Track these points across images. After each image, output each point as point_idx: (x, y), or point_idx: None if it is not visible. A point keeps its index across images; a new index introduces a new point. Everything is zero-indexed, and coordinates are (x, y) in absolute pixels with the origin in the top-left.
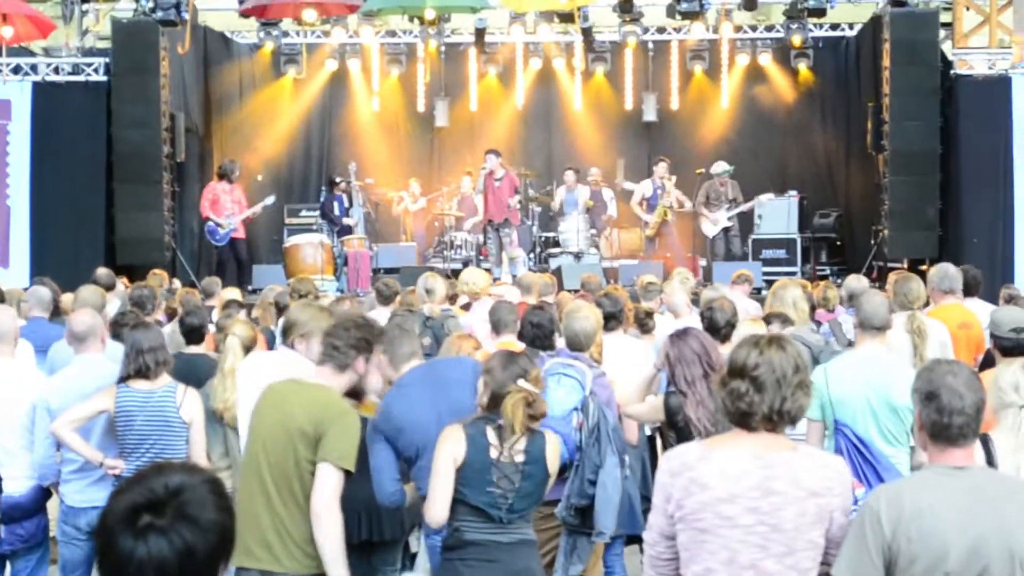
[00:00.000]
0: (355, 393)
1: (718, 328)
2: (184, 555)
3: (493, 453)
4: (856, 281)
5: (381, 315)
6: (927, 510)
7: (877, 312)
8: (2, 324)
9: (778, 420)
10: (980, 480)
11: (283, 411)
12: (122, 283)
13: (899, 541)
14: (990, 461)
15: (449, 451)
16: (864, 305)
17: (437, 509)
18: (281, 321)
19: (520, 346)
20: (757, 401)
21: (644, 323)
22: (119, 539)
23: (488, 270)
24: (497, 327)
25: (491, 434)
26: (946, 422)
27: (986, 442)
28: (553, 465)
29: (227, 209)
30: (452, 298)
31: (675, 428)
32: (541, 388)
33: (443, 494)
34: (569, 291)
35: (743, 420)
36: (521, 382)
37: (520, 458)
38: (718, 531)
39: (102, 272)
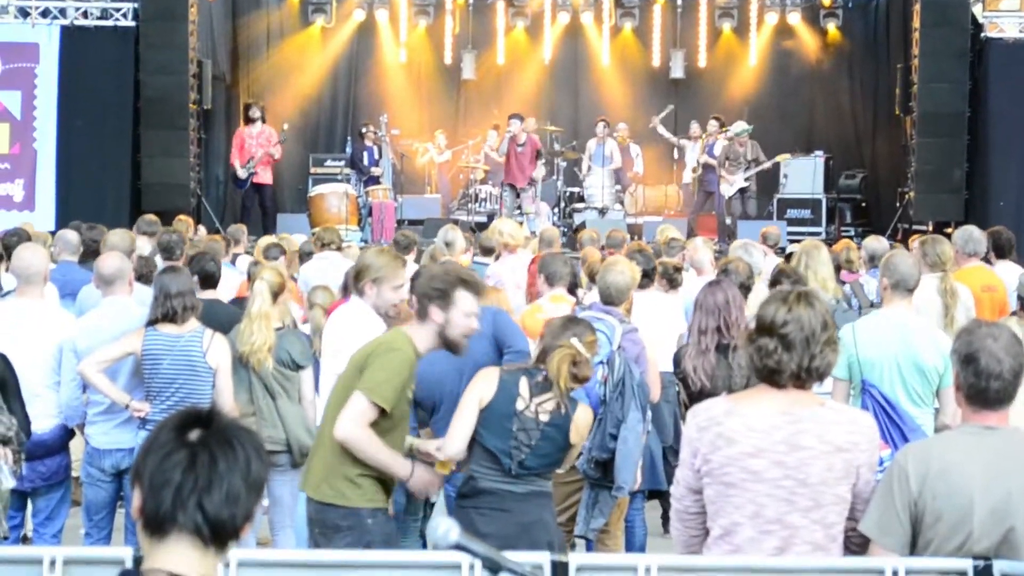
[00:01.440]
0: (452, 346)
1: None
2: (235, 460)
3: (519, 404)
4: (876, 242)
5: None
6: (954, 468)
7: (912, 273)
8: (31, 264)
9: (806, 377)
10: (1010, 440)
11: (356, 355)
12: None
13: (925, 498)
14: None
15: (478, 391)
16: (899, 266)
17: (454, 442)
18: (351, 265)
19: (571, 299)
20: (786, 359)
21: (673, 278)
22: (172, 450)
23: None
24: (551, 279)
25: (523, 385)
26: (983, 386)
27: None
28: (577, 436)
29: (251, 152)
30: (487, 251)
31: (681, 380)
32: (593, 353)
33: (462, 429)
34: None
35: (771, 377)
36: (574, 340)
37: (545, 418)
38: (744, 485)
39: (146, 218)
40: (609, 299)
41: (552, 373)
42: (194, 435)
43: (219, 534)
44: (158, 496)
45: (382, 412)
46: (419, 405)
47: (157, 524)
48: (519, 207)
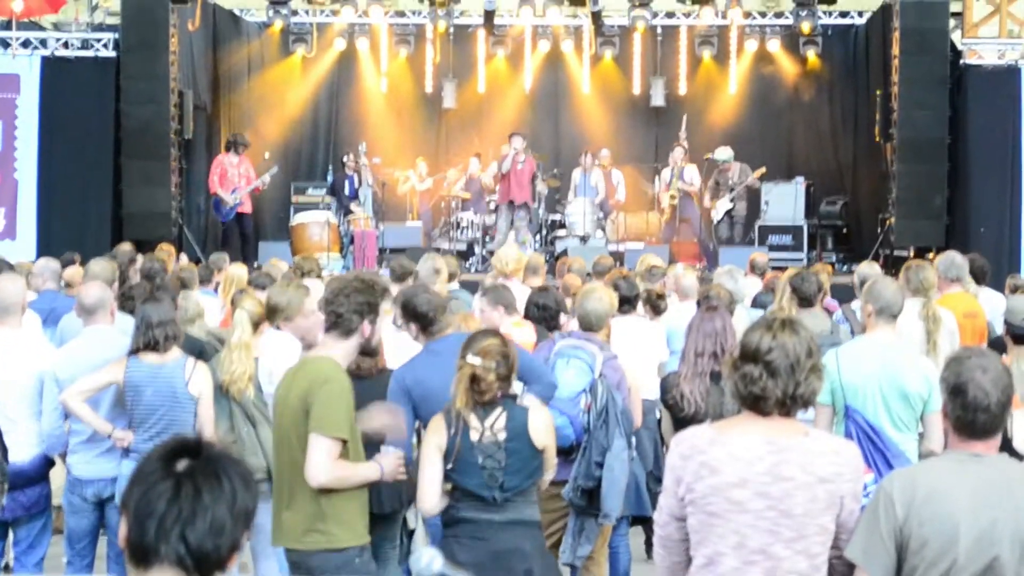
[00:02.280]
0: (369, 352)
1: None
2: (220, 493)
3: (473, 435)
4: (868, 267)
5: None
6: (940, 494)
7: (896, 300)
8: (9, 295)
9: (791, 404)
10: (996, 468)
11: (285, 394)
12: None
13: (911, 524)
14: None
15: (434, 440)
16: (883, 292)
17: (426, 499)
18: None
19: (526, 324)
20: (771, 386)
21: (656, 305)
22: (158, 482)
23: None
24: (508, 308)
25: (471, 417)
26: (970, 419)
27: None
28: (539, 438)
29: (234, 183)
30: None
31: (667, 406)
32: (491, 362)
33: (431, 484)
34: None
35: (756, 404)
36: (470, 357)
37: (502, 436)
38: (728, 515)
39: (123, 248)
40: (588, 326)
41: (452, 396)
42: (181, 465)
43: (203, 565)
44: (142, 526)
45: (342, 441)
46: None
47: (142, 554)
48: (515, 230)
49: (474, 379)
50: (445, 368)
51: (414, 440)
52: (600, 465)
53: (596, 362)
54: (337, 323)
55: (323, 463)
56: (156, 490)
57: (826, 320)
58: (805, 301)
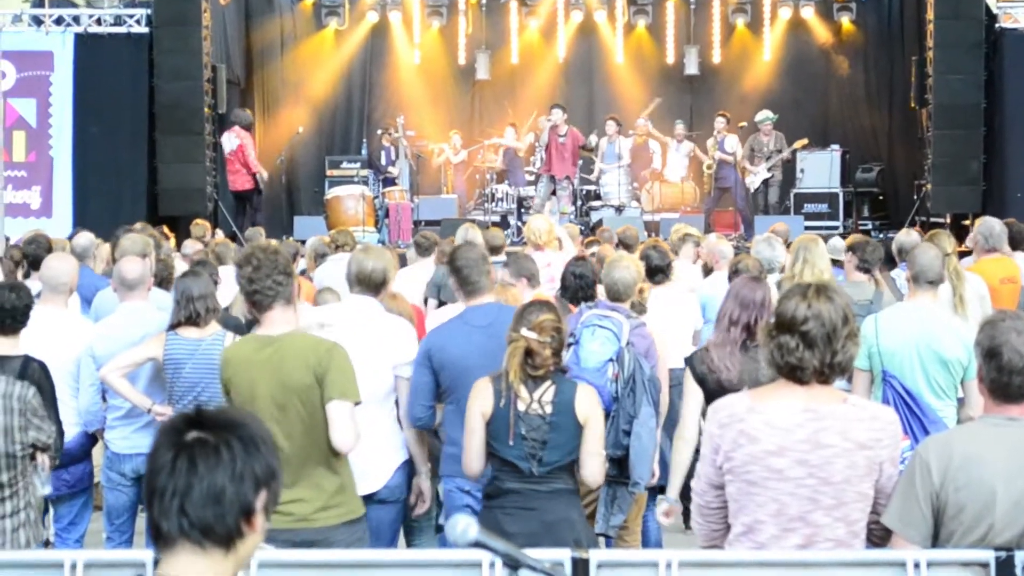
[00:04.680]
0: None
1: None
2: (224, 460)
3: (520, 406)
4: (906, 235)
5: (422, 266)
6: (976, 459)
7: (932, 266)
8: (60, 273)
9: (829, 373)
10: None
11: (273, 376)
12: (164, 233)
13: (947, 489)
14: None
15: (478, 406)
16: (919, 258)
17: (471, 462)
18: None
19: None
20: (808, 357)
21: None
22: (162, 450)
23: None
24: (532, 281)
25: (521, 388)
26: (1005, 381)
27: None
28: (584, 414)
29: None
30: (493, 249)
31: (697, 379)
32: (547, 337)
33: (476, 448)
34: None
35: (793, 374)
36: (524, 331)
37: (548, 409)
38: (767, 483)
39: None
40: (616, 295)
41: (504, 369)
42: (189, 436)
43: (211, 536)
44: (150, 505)
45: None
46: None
47: (156, 532)
48: (552, 199)
49: (528, 353)
50: (470, 338)
51: (437, 405)
52: (628, 433)
53: (623, 330)
54: (283, 293)
55: (353, 427)
56: (157, 465)
57: (869, 289)
58: (864, 267)
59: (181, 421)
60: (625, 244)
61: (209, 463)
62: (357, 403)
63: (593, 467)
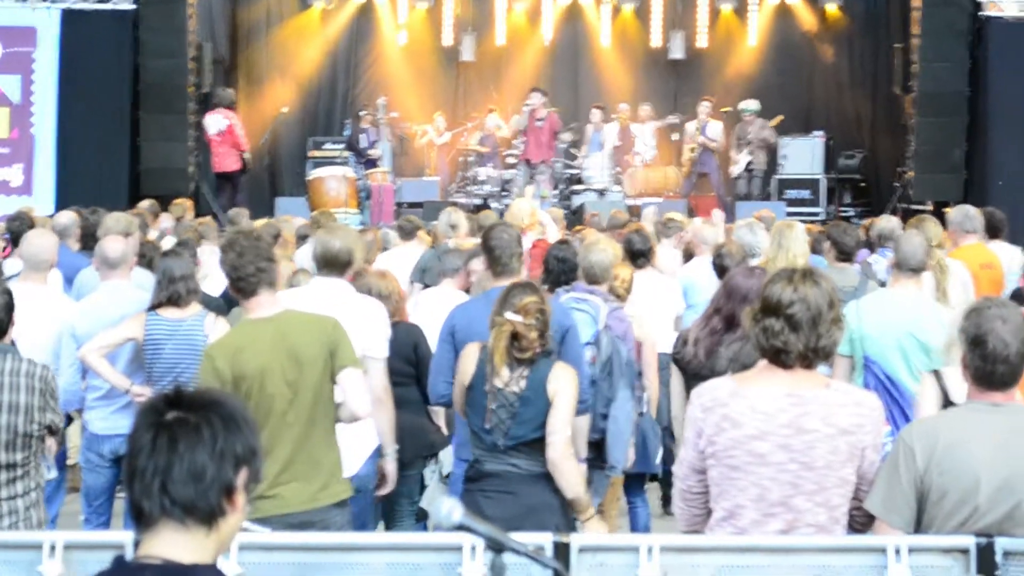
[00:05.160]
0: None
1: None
2: (204, 437)
3: (498, 382)
4: (886, 222)
5: (406, 250)
6: (959, 444)
7: (915, 253)
8: (41, 250)
9: (813, 357)
10: (1016, 417)
11: (285, 352)
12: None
13: (931, 474)
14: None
15: (462, 369)
16: (903, 245)
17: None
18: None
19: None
20: (792, 340)
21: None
22: (142, 430)
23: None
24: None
25: (504, 368)
26: (990, 369)
27: None
28: (554, 390)
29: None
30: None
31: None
32: (531, 319)
33: (458, 400)
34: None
35: (777, 357)
36: (508, 314)
37: (523, 384)
38: (749, 468)
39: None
40: (593, 278)
41: (490, 351)
42: (168, 416)
43: (194, 514)
44: (131, 485)
45: None
46: None
47: (138, 512)
48: (533, 183)
49: (515, 336)
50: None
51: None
52: (605, 416)
53: (600, 314)
54: (266, 279)
55: (367, 393)
56: (137, 446)
57: (853, 275)
58: (845, 255)
59: (160, 401)
60: (614, 229)
61: (189, 442)
62: (363, 371)
63: (553, 445)
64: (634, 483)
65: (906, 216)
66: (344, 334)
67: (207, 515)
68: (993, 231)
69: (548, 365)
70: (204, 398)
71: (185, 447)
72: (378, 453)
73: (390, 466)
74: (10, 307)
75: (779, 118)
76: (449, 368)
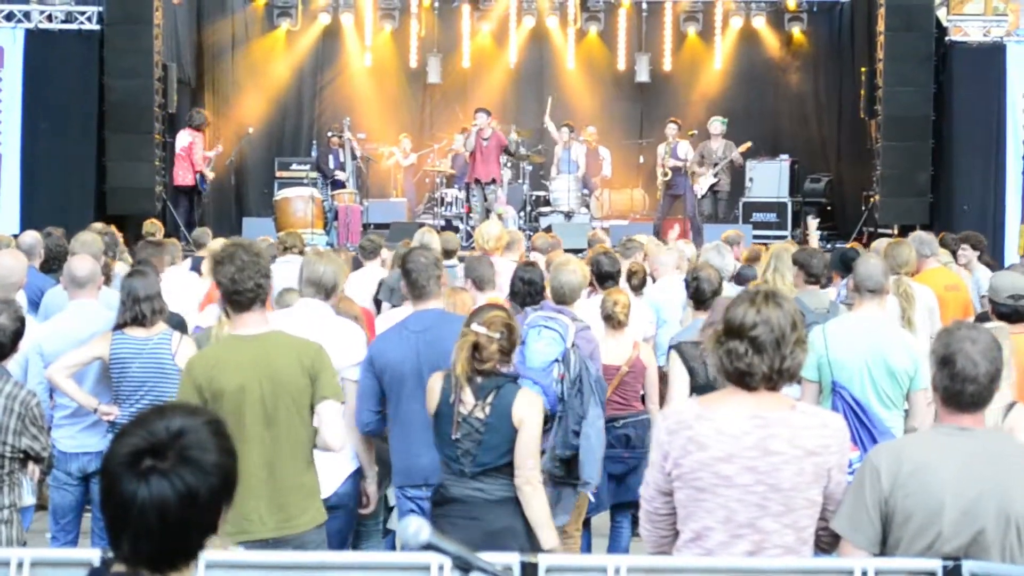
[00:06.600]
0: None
1: (703, 298)
2: (186, 497)
3: (463, 409)
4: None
5: (369, 270)
6: (926, 467)
7: (871, 275)
8: (11, 271)
9: (778, 379)
10: (983, 442)
11: (264, 373)
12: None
13: (896, 496)
14: None
15: (429, 397)
16: (859, 267)
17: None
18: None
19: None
20: (757, 362)
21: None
22: (122, 482)
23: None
24: (480, 283)
25: (466, 389)
26: (958, 389)
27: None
28: (519, 417)
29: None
30: (447, 253)
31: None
32: (496, 332)
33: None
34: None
35: (742, 380)
36: (474, 326)
37: (487, 411)
38: (716, 490)
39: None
40: (562, 298)
41: (452, 363)
42: (146, 463)
43: (178, 558)
44: (115, 533)
45: None
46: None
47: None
48: (487, 207)
49: (476, 348)
50: (408, 343)
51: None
52: (577, 434)
53: (568, 332)
54: (261, 296)
55: (343, 427)
56: (120, 499)
57: (825, 297)
58: (813, 278)
59: (134, 451)
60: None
61: (154, 498)
62: (343, 403)
63: (522, 476)
64: (618, 508)
65: (871, 239)
66: (327, 362)
67: (192, 555)
68: (955, 254)
69: (513, 391)
70: (180, 443)
71: (172, 503)
72: (358, 473)
73: (371, 487)
74: (19, 334)
75: (747, 145)
76: (373, 397)
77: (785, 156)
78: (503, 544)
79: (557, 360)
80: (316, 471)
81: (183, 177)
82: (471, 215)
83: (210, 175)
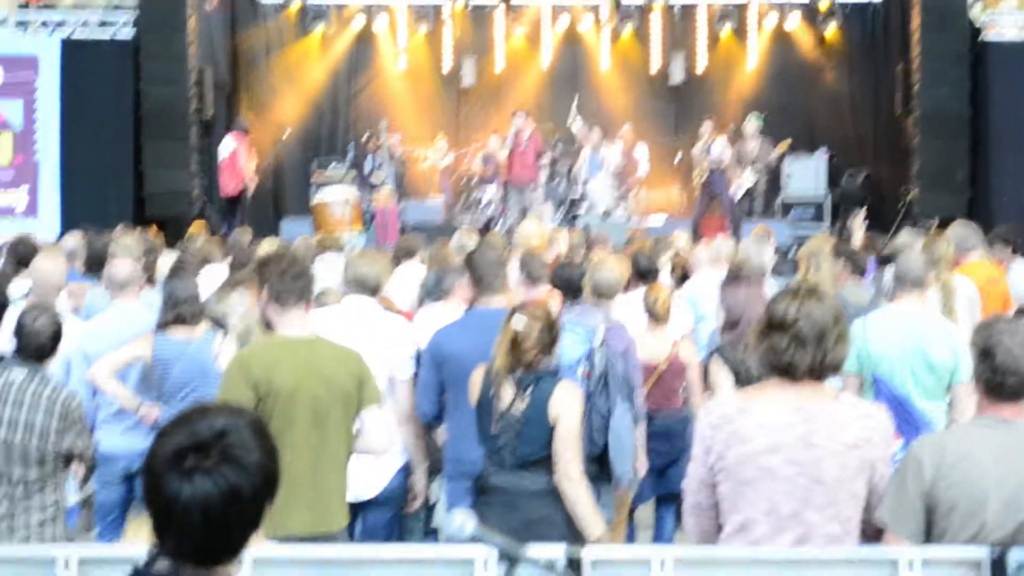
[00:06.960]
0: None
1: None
2: (229, 496)
3: (502, 405)
4: (906, 236)
5: (406, 269)
6: (968, 458)
7: (911, 268)
8: (50, 274)
9: (821, 372)
10: None
11: (318, 376)
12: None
13: (939, 488)
14: None
15: (472, 390)
16: (900, 261)
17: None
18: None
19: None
20: (799, 356)
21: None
22: (165, 481)
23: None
24: (533, 279)
25: (505, 383)
26: (999, 381)
27: None
28: (556, 412)
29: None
30: None
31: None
32: (535, 325)
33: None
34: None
35: (786, 373)
36: (514, 320)
37: (525, 403)
38: (759, 482)
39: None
40: (599, 295)
41: (492, 356)
42: (189, 462)
43: (223, 556)
44: (153, 534)
45: None
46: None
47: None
48: (523, 209)
49: (515, 342)
50: (470, 337)
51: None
52: (602, 431)
53: (596, 334)
54: (306, 295)
55: (385, 432)
56: (158, 497)
57: (867, 292)
58: (859, 271)
59: (177, 450)
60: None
61: (198, 497)
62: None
63: (561, 469)
64: (662, 501)
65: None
66: (369, 370)
67: (237, 552)
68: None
69: (551, 384)
70: (224, 442)
71: (217, 501)
72: (406, 469)
73: (420, 482)
74: (57, 336)
75: (787, 142)
76: (432, 387)
77: (823, 149)
78: (542, 533)
79: (582, 359)
80: (347, 475)
81: (228, 187)
82: (505, 215)
83: (252, 183)
